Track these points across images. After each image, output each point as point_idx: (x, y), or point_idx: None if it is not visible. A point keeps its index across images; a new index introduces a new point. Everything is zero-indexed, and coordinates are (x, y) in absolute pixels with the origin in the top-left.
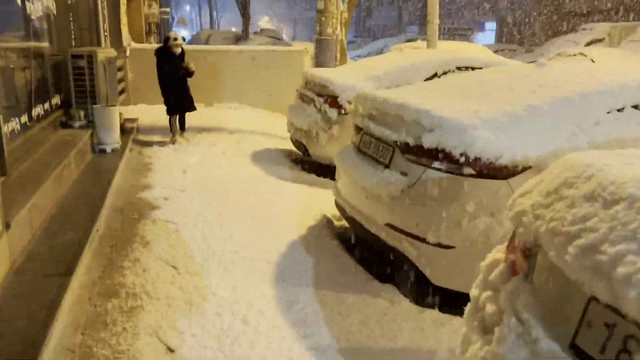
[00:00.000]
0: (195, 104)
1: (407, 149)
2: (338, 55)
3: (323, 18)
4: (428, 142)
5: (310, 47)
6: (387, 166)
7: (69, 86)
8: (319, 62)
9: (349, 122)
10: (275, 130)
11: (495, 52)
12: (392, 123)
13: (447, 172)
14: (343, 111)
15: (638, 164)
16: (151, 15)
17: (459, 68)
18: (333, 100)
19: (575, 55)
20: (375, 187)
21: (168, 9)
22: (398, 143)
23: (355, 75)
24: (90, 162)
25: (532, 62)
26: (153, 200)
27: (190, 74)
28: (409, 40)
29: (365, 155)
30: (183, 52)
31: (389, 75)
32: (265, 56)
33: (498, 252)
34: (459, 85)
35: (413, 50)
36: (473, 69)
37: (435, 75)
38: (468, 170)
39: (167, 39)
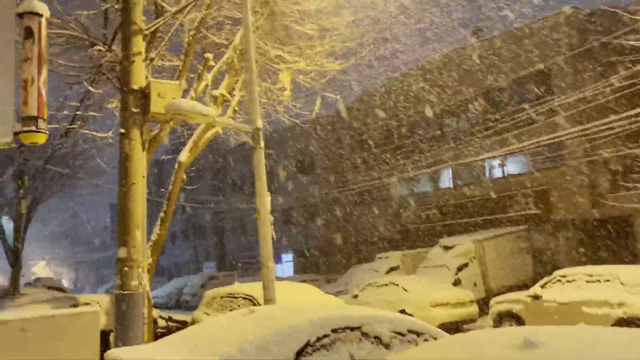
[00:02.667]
0: None
1: None
2: (146, 312)
3: (126, 268)
4: None
5: (102, 299)
6: None
7: None
8: (121, 325)
9: None
10: None
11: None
12: None
13: None
14: None
15: None
16: None
17: (334, 331)
18: None
19: (387, 284)
20: None
21: None
22: None
23: (196, 358)
24: None
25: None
26: None
27: None
28: (211, 278)
29: None
30: None
31: (247, 352)
32: (42, 324)
33: None
34: None
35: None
36: (352, 329)
37: (307, 344)
38: None
39: None
